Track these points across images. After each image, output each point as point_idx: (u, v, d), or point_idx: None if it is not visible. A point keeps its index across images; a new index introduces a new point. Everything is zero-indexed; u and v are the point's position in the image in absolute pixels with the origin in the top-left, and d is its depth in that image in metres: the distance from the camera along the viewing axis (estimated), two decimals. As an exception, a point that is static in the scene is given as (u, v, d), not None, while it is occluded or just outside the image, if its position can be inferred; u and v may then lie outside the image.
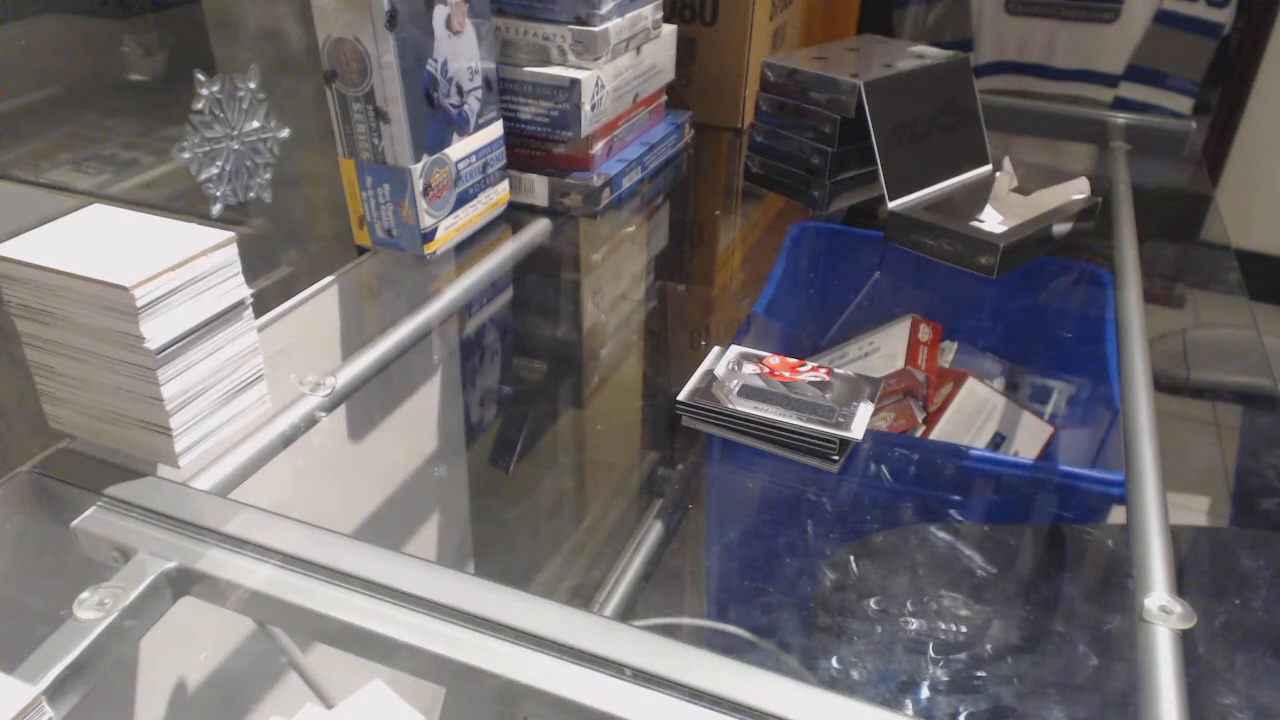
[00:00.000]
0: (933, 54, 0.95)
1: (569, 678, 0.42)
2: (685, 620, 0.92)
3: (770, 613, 0.80)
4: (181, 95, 0.65)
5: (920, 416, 0.96)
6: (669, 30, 1.00)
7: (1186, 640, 0.47)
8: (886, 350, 1.01)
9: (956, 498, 0.82)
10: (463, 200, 0.81)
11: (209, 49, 0.69)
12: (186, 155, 0.65)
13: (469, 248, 0.84)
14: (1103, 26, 1.87)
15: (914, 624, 0.69)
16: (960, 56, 0.95)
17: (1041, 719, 0.62)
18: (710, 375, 0.61)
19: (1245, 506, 1.09)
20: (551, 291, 1.00)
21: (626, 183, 0.95)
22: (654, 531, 0.97)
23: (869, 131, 0.87)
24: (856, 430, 0.55)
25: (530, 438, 1.04)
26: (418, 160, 0.74)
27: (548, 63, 0.87)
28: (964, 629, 0.68)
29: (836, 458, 0.54)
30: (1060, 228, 0.86)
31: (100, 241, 0.50)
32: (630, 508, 1.10)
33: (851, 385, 0.63)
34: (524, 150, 0.90)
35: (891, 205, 0.87)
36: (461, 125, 0.79)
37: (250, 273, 0.53)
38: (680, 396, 0.57)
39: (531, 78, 0.86)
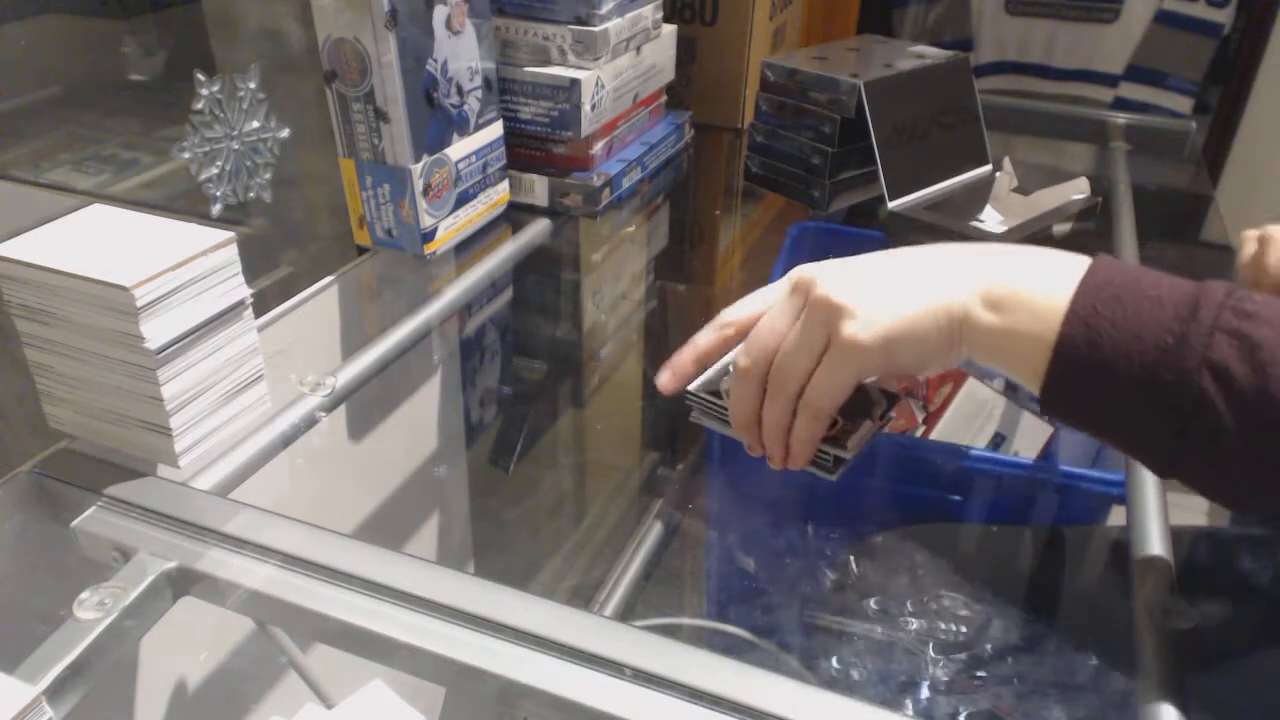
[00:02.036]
0: (933, 54, 0.95)
1: (569, 678, 0.42)
2: (685, 620, 0.92)
3: (770, 613, 0.80)
4: (181, 95, 0.65)
5: (920, 416, 0.96)
6: (669, 30, 1.00)
7: (1186, 640, 0.47)
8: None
9: (956, 498, 0.81)
10: (463, 200, 0.81)
11: (209, 49, 0.69)
12: (186, 155, 0.65)
13: (469, 248, 0.84)
14: (1103, 26, 1.87)
15: (914, 624, 0.69)
16: (960, 56, 0.95)
17: (1041, 719, 0.62)
18: (726, 370, 0.59)
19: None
20: (551, 291, 1.00)
21: (626, 183, 0.95)
22: (654, 531, 0.97)
23: (869, 131, 0.87)
24: (851, 447, 0.53)
25: (530, 438, 1.04)
26: (418, 160, 0.74)
27: (548, 63, 0.87)
28: (964, 629, 0.68)
29: (832, 468, 0.53)
30: (1060, 228, 0.86)
31: (100, 241, 0.50)
32: (630, 508, 1.10)
33: (863, 399, 0.57)
34: (524, 150, 0.90)
35: (891, 205, 0.87)
36: (461, 125, 0.79)
37: (250, 273, 0.53)
38: (690, 387, 0.55)
39: (531, 78, 0.86)
